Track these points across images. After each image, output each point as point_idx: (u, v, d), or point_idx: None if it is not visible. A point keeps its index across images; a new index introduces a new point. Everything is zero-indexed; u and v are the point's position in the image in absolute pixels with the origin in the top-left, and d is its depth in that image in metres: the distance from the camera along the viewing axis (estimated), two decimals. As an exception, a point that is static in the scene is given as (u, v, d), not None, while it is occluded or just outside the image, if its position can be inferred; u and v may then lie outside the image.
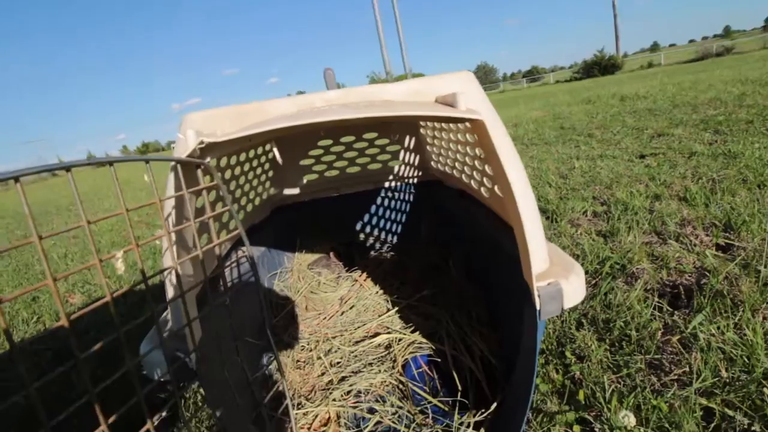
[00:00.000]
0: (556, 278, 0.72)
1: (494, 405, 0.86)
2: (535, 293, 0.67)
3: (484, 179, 1.10)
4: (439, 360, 1.09)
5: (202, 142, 0.55)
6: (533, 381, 0.71)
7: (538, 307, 0.68)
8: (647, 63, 25.62)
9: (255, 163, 1.42)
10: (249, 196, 1.41)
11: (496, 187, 1.01)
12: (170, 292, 0.65)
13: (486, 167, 1.04)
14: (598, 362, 1.10)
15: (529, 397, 0.72)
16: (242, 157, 1.29)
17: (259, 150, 1.45)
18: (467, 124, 0.83)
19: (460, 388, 0.98)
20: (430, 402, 0.98)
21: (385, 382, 1.07)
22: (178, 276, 0.57)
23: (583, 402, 0.98)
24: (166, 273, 0.65)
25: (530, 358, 0.72)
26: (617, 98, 7.29)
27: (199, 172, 0.60)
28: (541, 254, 0.70)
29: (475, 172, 1.17)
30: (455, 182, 1.50)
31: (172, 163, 0.60)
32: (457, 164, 1.35)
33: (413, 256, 1.68)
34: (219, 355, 0.66)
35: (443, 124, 1.27)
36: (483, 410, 0.88)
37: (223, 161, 1.16)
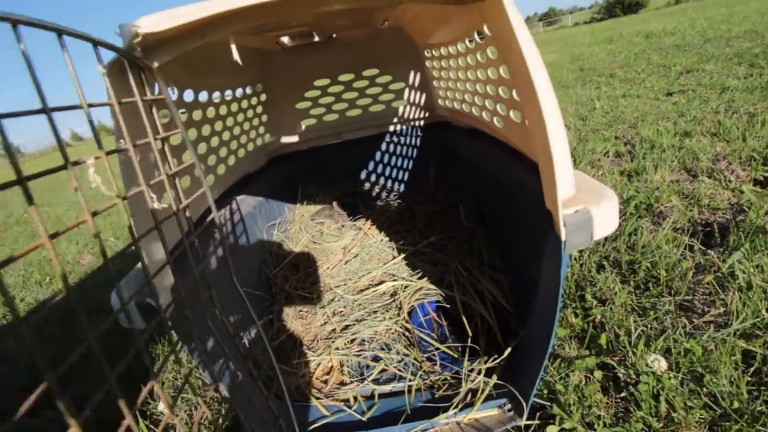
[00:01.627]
0: (585, 205, 0.60)
1: (508, 350, 0.78)
2: (561, 222, 0.56)
3: (498, 106, 0.96)
4: (448, 306, 1.01)
5: (137, 35, 0.43)
6: (554, 323, 0.62)
7: (563, 238, 0.57)
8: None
9: (245, 104, 1.30)
10: (240, 141, 1.30)
11: (511, 113, 0.88)
12: (140, 225, 0.56)
13: (500, 90, 0.90)
14: (621, 305, 1.01)
15: (549, 341, 0.63)
16: (227, 95, 1.17)
17: (248, 90, 1.32)
18: (477, 11, 0.68)
19: (470, 333, 0.90)
20: (437, 349, 0.91)
21: (390, 329, 1.01)
22: (149, 201, 0.47)
23: (605, 346, 0.89)
24: (129, 201, 0.55)
25: (551, 298, 0.62)
26: (642, 36, 6.74)
27: (143, 78, 0.48)
28: (567, 176, 0.58)
29: (487, 101, 1.04)
30: (465, 119, 1.36)
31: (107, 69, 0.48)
32: (467, 96, 1.20)
33: (420, 203, 1.58)
34: (207, 305, 0.58)
35: (451, 49, 1.11)
36: (495, 356, 0.81)
37: (203, 97, 1.04)
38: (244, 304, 0.63)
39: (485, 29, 0.69)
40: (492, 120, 1.05)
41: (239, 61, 0.55)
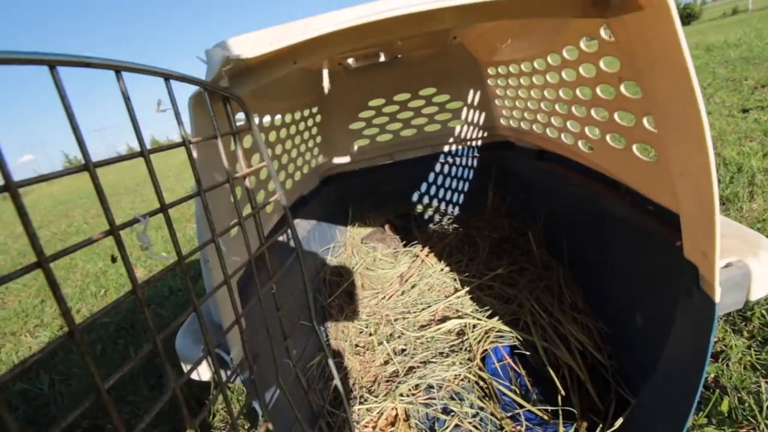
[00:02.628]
0: (739, 256, 0.49)
1: (619, 422, 0.65)
2: (716, 280, 0.45)
3: (587, 129, 0.86)
4: (527, 354, 0.90)
5: (228, 61, 0.37)
6: (694, 402, 0.50)
7: (717, 299, 0.45)
8: (731, 10, 22.35)
9: (302, 126, 1.27)
10: (296, 163, 1.27)
11: (608, 138, 0.77)
12: (211, 277, 0.51)
13: (593, 112, 0.79)
14: (738, 362, 0.85)
15: (686, 422, 0.51)
16: (287, 118, 1.14)
17: (306, 112, 1.29)
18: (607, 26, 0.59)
19: (562, 391, 0.78)
20: (522, 407, 0.79)
21: (460, 376, 0.90)
22: (219, 252, 0.41)
23: (729, 414, 0.74)
24: (202, 254, 0.50)
25: (690, 370, 0.50)
26: (701, 48, 6.33)
27: (229, 109, 0.43)
28: (718, 222, 0.47)
29: (570, 122, 0.93)
30: (532, 140, 1.26)
31: (191, 102, 0.43)
32: (539, 117, 1.10)
33: (481, 229, 1.47)
34: (270, 352, 0.51)
35: (524, 66, 1.02)
36: (599, 424, 0.68)
37: (267, 120, 1.01)
38: (306, 338, 0.56)
39: (604, 36, 0.59)
40: (576, 143, 0.95)
41: (326, 87, 0.49)
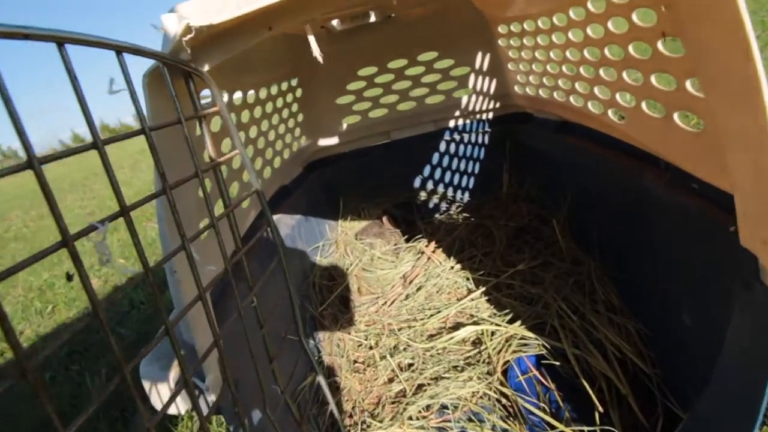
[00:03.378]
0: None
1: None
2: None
3: (618, 95, 0.85)
4: (556, 364, 0.90)
5: (189, 30, 0.36)
6: (759, 414, 0.50)
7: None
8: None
9: (279, 103, 1.26)
10: (275, 148, 1.26)
11: (644, 105, 0.77)
12: (180, 289, 0.50)
13: (624, 74, 0.79)
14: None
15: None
16: (262, 93, 1.12)
17: (284, 85, 1.28)
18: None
19: (599, 407, 0.78)
20: (554, 428, 0.80)
21: (478, 393, 0.91)
22: (191, 261, 0.40)
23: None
24: (168, 264, 0.49)
25: (755, 374, 0.51)
26: (747, -7, 6.29)
27: (192, 87, 0.41)
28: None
29: (597, 88, 0.93)
30: (553, 110, 1.25)
31: (145, 79, 0.42)
32: (560, 82, 1.09)
33: (495, 218, 1.48)
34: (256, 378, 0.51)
35: (541, 22, 1.01)
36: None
37: (237, 98, 0.99)
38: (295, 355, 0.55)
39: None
40: (605, 112, 0.95)
41: (319, 58, 0.48)
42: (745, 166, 0.49)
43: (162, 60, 0.38)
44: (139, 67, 0.42)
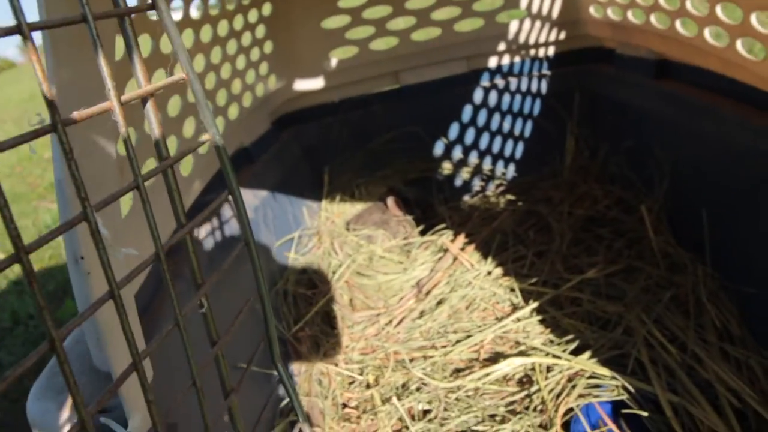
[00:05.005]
0: None
1: None
2: None
3: (753, 17, 0.85)
4: (644, 414, 0.91)
5: None
6: None
7: None
8: None
9: (238, 23, 1.27)
10: (230, 91, 1.27)
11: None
12: (88, 286, 0.48)
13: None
14: None
15: None
16: (213, 9, 1.15)
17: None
18: None
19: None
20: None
21: (528, 456, 0.91)
22: (97, 239, 0.38)
23: None
24: (69, 248, 0.47)
25: None
26: None
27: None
28: None
29: (720, 7, 0.92)
30: (647, 43, 1.28)
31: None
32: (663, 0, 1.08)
33: (554, 202, 1.49)
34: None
35: None
36: None
37: (174, 11, 0.98)
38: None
39: None
40: (732, 45, 0.94)
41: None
42: None
43: None
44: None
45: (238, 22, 1.26)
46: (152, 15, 0.88)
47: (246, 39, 1.31)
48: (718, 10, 0.92)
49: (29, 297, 2.14)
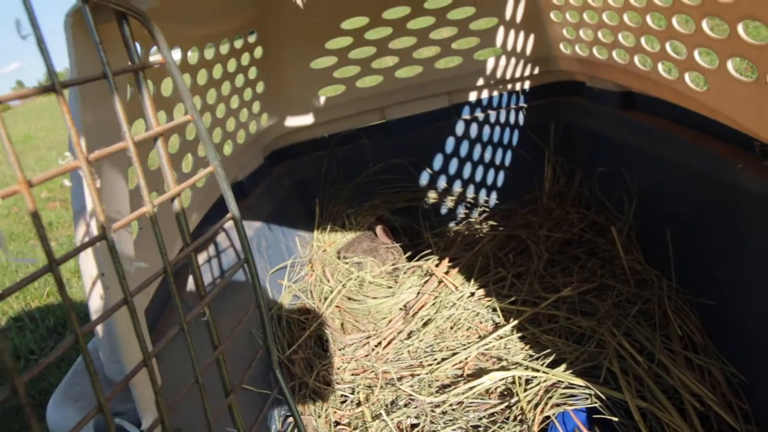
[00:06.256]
0: None
1: None
2: None
3: (697, 53, 0.90)
4: (615, 419, 0.94)
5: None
6: None
7: None
8: None
9: (232, 66, 1.30)
10: (225, 129, 1.30)
11: (729, 65, 0.82)
12: (98, 297, 0.54)
13: (704, 23, 0.84)
14: None
15: None
16: (208, 53, 1.16)
17: (238, 42, 1.32)
18: None
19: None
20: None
21: (509, 463, 0.94)
22: (113, 253, 0.44)
23: None
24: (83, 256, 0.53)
25: None
26: None
27: (127, 32, 0.46)
28: None
29: (669, 44, 0.98)
30: (613, 77, 1.31)
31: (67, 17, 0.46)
32: (621, 37, 1.15)
33: (533, 226, 1.53)
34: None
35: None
36: None
37: (176, 56, 1.04)
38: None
39: None
40: (682, 77, 1.00)
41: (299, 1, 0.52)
42: None
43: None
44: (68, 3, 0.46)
45: (232, 65, 1.29)
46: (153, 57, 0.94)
47: (239, 80, 1.34)
48: (667, 46, 0.97)
49: (29, 333, 2.16)
